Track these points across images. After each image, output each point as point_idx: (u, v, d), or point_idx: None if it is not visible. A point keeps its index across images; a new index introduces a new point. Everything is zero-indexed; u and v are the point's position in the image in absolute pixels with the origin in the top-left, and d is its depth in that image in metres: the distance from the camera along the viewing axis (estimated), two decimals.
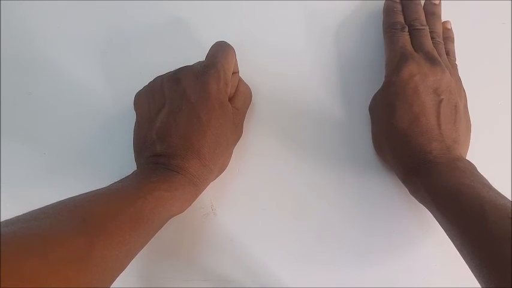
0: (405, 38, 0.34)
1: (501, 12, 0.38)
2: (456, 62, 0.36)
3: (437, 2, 0.37)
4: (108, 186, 0.28)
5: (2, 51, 0.41)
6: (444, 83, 0.32)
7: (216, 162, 0.32)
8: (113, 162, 0.38)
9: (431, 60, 0.32)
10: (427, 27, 0.35)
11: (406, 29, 0.35)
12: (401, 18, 0.36)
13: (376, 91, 0.35)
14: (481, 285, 0.26)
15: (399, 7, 0.36)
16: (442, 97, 0.32)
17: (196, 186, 0.31)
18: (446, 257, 0.34)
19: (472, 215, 0.26)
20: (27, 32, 0.41)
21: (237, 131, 0.35)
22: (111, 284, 0.25)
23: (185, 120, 0.31)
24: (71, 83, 0.39)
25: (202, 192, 0.33)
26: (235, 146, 0.36)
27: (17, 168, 0.38)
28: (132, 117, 0.35)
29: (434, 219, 0.31)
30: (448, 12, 0.38)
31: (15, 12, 0.41)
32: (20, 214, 0.24)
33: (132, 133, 0.35)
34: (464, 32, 0.37)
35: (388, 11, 0.36)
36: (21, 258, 0.20)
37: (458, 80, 0.34)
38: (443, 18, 0.38)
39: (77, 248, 0.22)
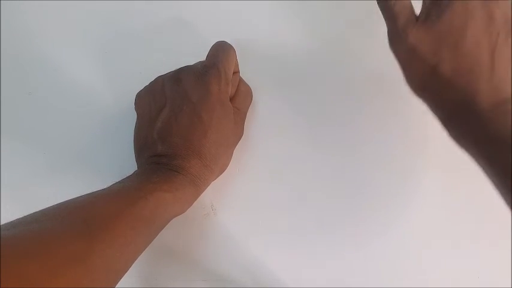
0: None
1: None
2: None
3: None
4: (109, 187, 0.28)
5: (2, 51, 0.41)
6: (500, 12, 0.27)
7: (217, 162, 0.32)
8: (113, 162, 0.38)
9: None
10: None
11: None
12: None
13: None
14: None
15: None
16: (498, 30, 0.27)
17: (197, 187, 0.31)
18: (448, 256, 0.34)
19: None
20: (27, 32, 0.41)
21: (238, 131, 0.35)
22: (115, 285, 0.25)
23: (186, 120, 0.31)
24: (71, 83, 0.39)
25: (203, 192, 0.33)
26: (236, 146, 0.36)
27: (17, 168, 0.38)
28: (132, 117, 0.35)
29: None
30: None
31: (15, 12, 0.41)
32: (20, 215, 0.24)
33: (133, 133, 0.35)
34: None
35: None
36: (21, 261, 0.20)
37: None
38: None
39: (78, 250, 0.22)
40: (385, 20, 0.31)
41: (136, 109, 0.35)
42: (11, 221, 0.23)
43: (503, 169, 0.26)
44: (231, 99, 0.34)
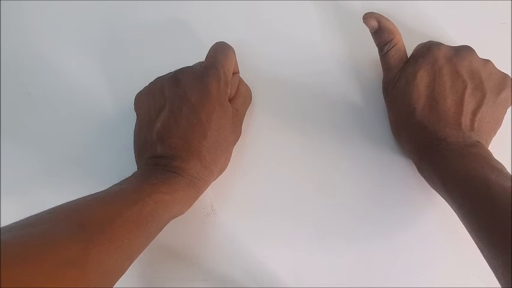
0: None
1: (501, 12, 0.38)
2: None
3: None
4: (107, 189, 0.28)
5: (2, 51, 0.41)
6: (472, 67, 0.31)
7: (216, 163, 0.32)
8: (113, 163, 0.38)
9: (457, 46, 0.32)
10: None
11: None
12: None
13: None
14: (490, 267, 0.26)
15: None
16: (466, 83, 0.31)
17: (197, 188, 0.31)
18: (448, 256, 0.34)
19: (479, 197, 0.26)
20: (27, 32, 0.41)
21: (236, 131, 0.34)
22: (112, 285, 0.25)
23: (185, 121, 0.31)
24: (71, 83, 0.40)
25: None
26: (235, 146, 0.36)
27: (16, 168, 0.38)
28: (132, 118, 0.35)
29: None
30: (448, 12, 0.38)
31: (15, 12, 0.41)
32: (19, 215, 0.24)
33: (133, 134, 0.35)
34: (464, 32, 0.37)
35: None
36: (16, 266, 0.20)
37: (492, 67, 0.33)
38: (444, 18, 0.38)
39: (72, 254, 0.22)
40: (382, 70, 0.35)
41: (136, 110, 0.35)
42: (7, 225, 0.23)
43: (463, 203, 0.28)
44: (231, 99, 0.34)
